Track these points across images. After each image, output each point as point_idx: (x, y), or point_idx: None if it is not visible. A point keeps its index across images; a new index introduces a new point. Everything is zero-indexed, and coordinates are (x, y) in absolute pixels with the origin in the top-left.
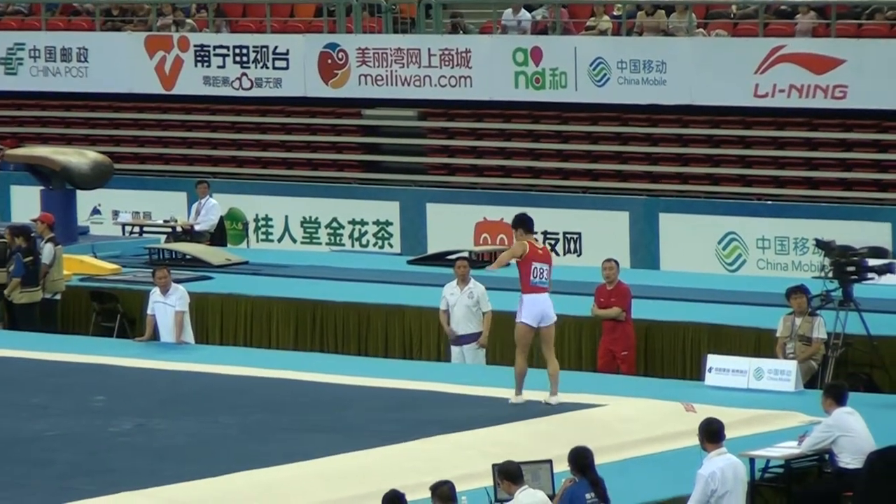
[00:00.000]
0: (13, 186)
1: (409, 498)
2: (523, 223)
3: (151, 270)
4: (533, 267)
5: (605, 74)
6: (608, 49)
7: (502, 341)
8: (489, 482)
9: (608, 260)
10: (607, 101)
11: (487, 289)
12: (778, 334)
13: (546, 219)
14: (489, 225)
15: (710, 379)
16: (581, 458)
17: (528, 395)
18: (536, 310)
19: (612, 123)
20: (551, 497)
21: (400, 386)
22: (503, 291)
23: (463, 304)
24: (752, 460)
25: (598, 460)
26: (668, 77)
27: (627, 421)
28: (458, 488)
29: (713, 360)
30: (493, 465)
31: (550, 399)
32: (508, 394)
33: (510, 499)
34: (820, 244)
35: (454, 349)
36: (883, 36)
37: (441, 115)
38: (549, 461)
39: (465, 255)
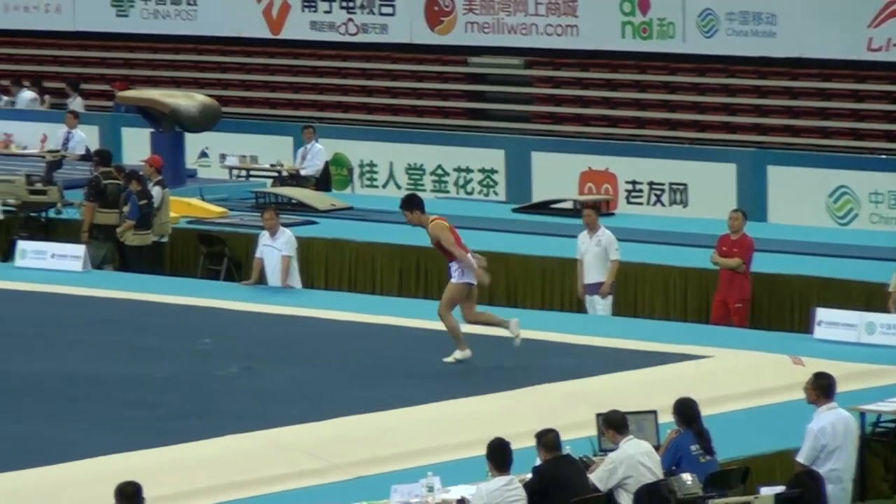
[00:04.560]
0: (124, 128)
1: (513, 446)
2: (420, 205)
3: (260, 213)
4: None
5: (713, 26)
6: (717, 0)
7: (625, 291)
8: (593, 432)
9: (735, 210)
10: (715, 52)
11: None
12: (890, 289)
13: (652, 169)
14: (594, 175)
15: (820, 332)
16: (687, 410)
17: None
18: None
19: (720, 75)
20: (656, 448)
21: (504, 334)
22: (632, 243)
23: (592, 252)
24: (862, 415)
25: (704, 412)
26: (777, 29)
27: (734, 373)
28: (563, 437)
29: (822, 314)
30: (598, 415)
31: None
32: (615, 343)
33: (614, 448)
34: None
35: (587, 298)
36: None
37: (547, 64)
38: (654, 412)
39: (570, 205)
